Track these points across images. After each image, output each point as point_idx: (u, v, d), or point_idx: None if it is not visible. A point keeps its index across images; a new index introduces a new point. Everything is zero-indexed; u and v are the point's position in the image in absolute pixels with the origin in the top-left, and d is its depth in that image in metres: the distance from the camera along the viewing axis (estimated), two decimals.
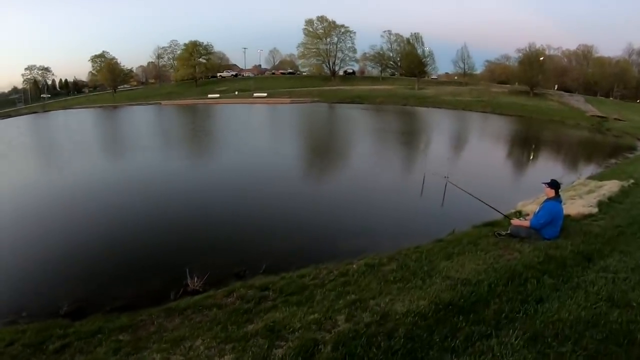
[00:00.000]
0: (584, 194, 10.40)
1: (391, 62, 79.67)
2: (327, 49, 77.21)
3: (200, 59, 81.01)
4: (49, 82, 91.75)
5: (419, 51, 71.20)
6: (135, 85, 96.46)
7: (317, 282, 5.69)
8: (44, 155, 23.29)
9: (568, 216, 7.77)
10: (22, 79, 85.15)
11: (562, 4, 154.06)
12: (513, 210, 9.62)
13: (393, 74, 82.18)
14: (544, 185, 6.36)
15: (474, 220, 8.60)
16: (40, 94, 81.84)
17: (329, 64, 78.87)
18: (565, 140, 30.03)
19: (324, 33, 76.62)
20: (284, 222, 10.37)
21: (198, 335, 4.29)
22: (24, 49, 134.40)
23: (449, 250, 6.08)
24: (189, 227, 10.01)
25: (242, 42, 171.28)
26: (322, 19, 76.49)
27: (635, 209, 8.22)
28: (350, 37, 77.56)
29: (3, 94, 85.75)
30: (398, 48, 76.34)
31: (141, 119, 45.33)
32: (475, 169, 17.78)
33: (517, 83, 62.40)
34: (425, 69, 71.46)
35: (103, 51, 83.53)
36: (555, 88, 60.66)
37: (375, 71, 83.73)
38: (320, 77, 77.48)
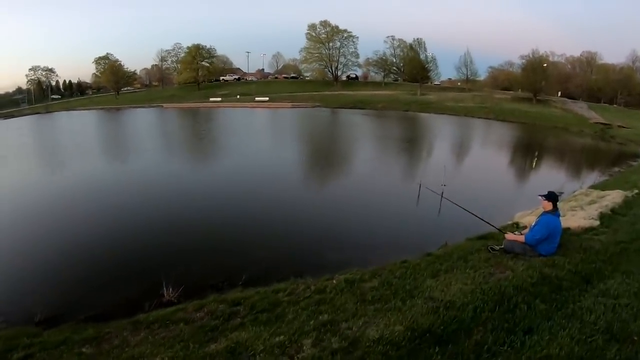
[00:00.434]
0: (586, 205, 9.93)
1: (394, 68, 79.36)
2: (329, 53, 77.07)
3: (203, 63, 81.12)
4: (53, 83, 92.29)
5: (422, 57, 70.94)
6: (138, 88, 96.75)
7: (292, 298, 5.30)
8: (35, 158, 22.89)
9: (568, 229, 7.32)
10: (26, 80, 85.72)
11: (566, 10, 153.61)
12: (509, 222, 9.18)
13: (396, 80, 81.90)
14: (540, 198, 5.89)
15: (469, 232, 8.16)
16: (44, 95, 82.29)
17: (331, 68, 78.69)
18: (568, 148, 29.50)
19: (327, 38, 76.47)
20: (271, 231, 9.93)
21: (158, 353, 4.09)
22: (29, 50, 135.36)
23: (437, 266, 5.64)
24: (171, 235, 9.63)
25: (246, 46, 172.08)
26: (325, 23, 76.51)
27: None
28: (353, 42, 77.50)
29: (7, 94, 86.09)
30: (401, 54, 76.08)
31: (139, 122, 45.28)
32: (475, 177, 17.33)
33: (520, 89, 61.88)
34: (428, 74, 71.14)
35: (107, 53, 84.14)
36: (559, 95, 60.14)
37: (378, 77, 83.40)
38: (323, 82, 77.36)
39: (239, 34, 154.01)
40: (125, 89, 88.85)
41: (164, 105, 64.85)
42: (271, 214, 11.21)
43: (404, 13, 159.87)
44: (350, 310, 4.45)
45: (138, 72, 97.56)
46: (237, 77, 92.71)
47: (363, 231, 9.95)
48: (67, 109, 67.70)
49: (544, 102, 54.71)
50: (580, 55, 71.66)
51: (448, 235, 8.65)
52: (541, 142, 31.90)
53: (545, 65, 58.53)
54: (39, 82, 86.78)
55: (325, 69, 79.32)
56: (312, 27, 77.41)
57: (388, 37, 77.20)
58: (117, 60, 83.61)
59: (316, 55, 78.02)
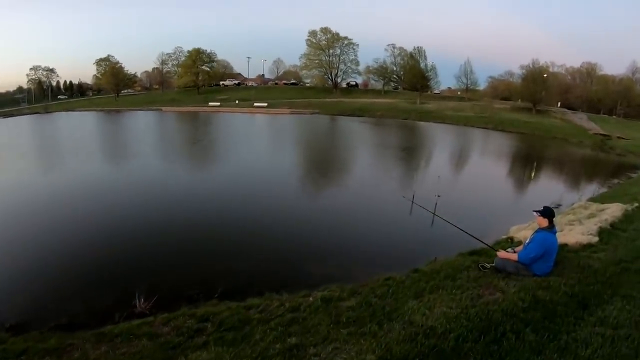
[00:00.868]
0: (584, 219, 9.52)
1: (394, 76, 79.32)
2: (329, 60, 77.04)
3: (204, 67, 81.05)
4: (54, 84, 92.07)
5: (422, 65, 70.95)
6: (139, 91, 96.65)
7: (263, 316, 4.90)
8: (21, 160, 22.13)
9: (565, 246, 6.90)
10: (26, 79, 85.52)
11: (567, 21, 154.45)
12: (504, 237, 8.77)
13: (396, 88, 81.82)
14: (535, 214, 5.48)
15: (461, 246, 7.73)
16: (44, 95, 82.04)
17: (331, 75, 78.60)
18: (567, 159, 29.15)
19: (327, 44, 76.49)
20: (254, 241, 9.46)
21: None
22: (32, 49, 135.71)
23: (422, 285, 5.21)
24: (149, 242, 9.27)
25: (247, 52, 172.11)
26: (325, 30, 76.60)
27: None
28: (353, 49, 77.52)
29: (8, 93, 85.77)
30: (402, 62, 76.08)
31: (134, 124, 44.93)
32: (471, 188, 16.97)
33: (520, 99, 61.81)
34: (427, 83, 71.07)
35: (108, 55, 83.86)
36: (559, 105, 60.08)
37: (379, 85, 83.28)
38: (322, 88, 77.21)
39: (240, 38, 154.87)
40: (126, 91, 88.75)
41: (163, 108, 64.61)
42: (256, 224, 10.76)
43: (406, 21, 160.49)
44: (321, 333, 4.05)
45: (139, 74, 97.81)
46: (237, 82, 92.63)
47: (351, 243, 9.52)
48: (67, 110, 67.35)
49: (543, 113, 54.56)
50: (581, 66, 72.04)
51: (439, 249, 8.25)
52: (540, 152, 31.59)
53: (545, 75, 58.56)
54: (39, 82, 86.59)
55: (325, 76, 79.18)
56: (313, 33, 77.56)
57: (389, 45, 77.41)
58: (117, 62, 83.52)
59: (316, 61, 78.01)
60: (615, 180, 19.34)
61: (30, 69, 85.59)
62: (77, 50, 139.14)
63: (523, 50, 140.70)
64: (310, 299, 5.24)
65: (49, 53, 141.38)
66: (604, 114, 60.27)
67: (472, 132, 42.99)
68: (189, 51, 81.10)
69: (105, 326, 5.11)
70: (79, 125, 43.50)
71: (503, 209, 13.10)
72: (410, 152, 26.44)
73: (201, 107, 64.01)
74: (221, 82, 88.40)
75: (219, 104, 65.88)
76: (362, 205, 13.13)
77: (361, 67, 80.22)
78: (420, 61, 71.11)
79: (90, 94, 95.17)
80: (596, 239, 7.16)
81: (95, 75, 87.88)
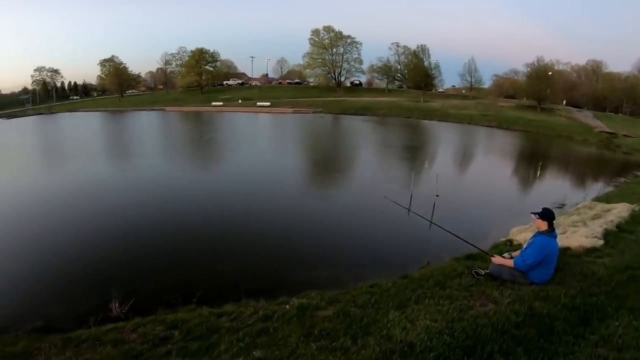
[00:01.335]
0: (589, 220, 9.01)
1: (398, 75, 78.57)
2: (332, 59, 76.45)
3: (207, 66, 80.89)
4: (58, 84, 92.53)
5: (426, 63, 70.15)
6: (143, 91, 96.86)
7: (233, 325, 4.56)
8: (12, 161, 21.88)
9: (567, 250, 6.42)
10: (31, 80, 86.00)
11: (572, 19, 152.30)
12: (503, 239, 8.29)
13: (401, 87, 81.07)
14: (533, 216, 5.00)
15: (457, 249, 7.22)
16: (49, 96, 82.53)
17: (334, 74, 78.04)
18: (572, 157, 28.50)
19: (330, 43, 75.87)
20: (240, 243, 9.11)
21: None
22: (37, 50, 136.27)
23: (408, 293, 4.77)
24: (131, 244, 8.96)
25: (251, 51, 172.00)
26: (328, 29, 75.89)
27: None
28: (357, 47, 76.72)
29: (13, 94, 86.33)
30: (406, 60, 75.31)
31: (134, 124, 44.91)
32: (471, 187, 16.49)
33: (524, 97, 60.99)
34: (431, 81, 70.31)
35: (112, 55, 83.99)
36: (564, 103, 59.17)
37: (383, 83, 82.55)
38: (326, 87, 76.64)
39: (244, 38, 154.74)
40: (130, 91, 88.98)
41: (166, 108, 64.66)
42: (245, 226, 10.37)
43: (410, 20, 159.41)
44: (289, 347, 3.70)
45: (143, 75, 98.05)
46: (240, 81, 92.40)
47: (344, 246, 9.10)
48: (70, 111, 67.64)
49: (548, 111, 53.73)
50: (586, 63, 70.70)
51: (434, 252, 7.83)
52: (544, 150, 30.93)
53: (550, 73, 57.65)
54: (44, 83, 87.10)
55: (329, 75, 78.63)
56: (316, 32, 76.97)
57: (392, 43, 76.53)
58: (121, 63, 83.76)
59: (319, 60, 77.39)
60: (622, 179, 18.71)
61: (35, 70, 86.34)
62: (81, 51, 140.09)
63: (528, 48, 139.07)
64: (287, 306, 4.85)
65: (54, 54, 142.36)
66: (609, 111, 59.22)
67: (476, 130, 42.31)
68: (192, 51, 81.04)
69: (79, 330, 4.97)
70: (78, 126, 43.65)
71: (504, 209, 12.57)
72: (411, 151, 25.86)
73: (204, 107, 63.87)
74: (224, 82, 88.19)
75: (221, 103, 65.70)
76: (358, 206, 12.66)
77: (365, 66, 79.61)
78: (424, 59, 70.33)
79: (95, 95, 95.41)
80: (601, 242, 6.67)
81: (99, 75, 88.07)
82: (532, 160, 25.43)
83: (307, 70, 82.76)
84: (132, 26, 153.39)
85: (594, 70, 68.77)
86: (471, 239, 9.05)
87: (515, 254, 5.27)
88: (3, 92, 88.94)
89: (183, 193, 13.75)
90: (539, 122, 45.65)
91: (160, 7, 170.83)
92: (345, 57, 76.78)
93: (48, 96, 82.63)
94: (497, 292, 4.53)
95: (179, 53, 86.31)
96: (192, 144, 29.10)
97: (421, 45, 71.43)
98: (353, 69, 78.85)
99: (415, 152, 25.85)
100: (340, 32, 75.82)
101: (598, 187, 16.31)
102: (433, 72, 70.36)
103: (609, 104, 61.90)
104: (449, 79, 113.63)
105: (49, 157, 22.39)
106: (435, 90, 75.84)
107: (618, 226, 8.02)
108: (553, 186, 17.12)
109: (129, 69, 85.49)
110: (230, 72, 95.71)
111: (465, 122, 46.53)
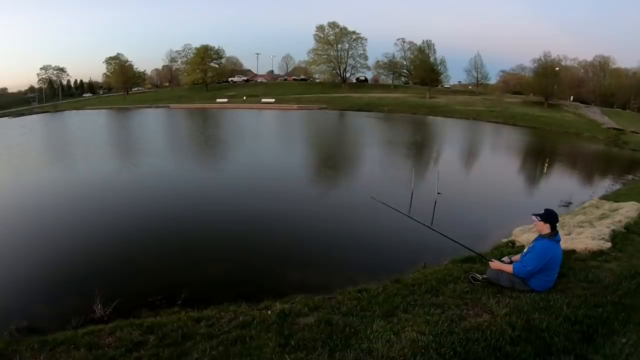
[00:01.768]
0: (596, 220, 8.60)
1: (404, 71, 77.75)
2: (337, 55, 75.79)
3: (212, 64, 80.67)
4: (64, 83, 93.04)
5: (431, 59, 69.28)
6: (149, 88, 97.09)
7: (210, 331, 4.31)
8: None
9: (572, 253, 6.06)
10: (37, 79, 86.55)
11: (579, 14, 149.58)
12: (505, 240, 7.91)
13: (407, 83, 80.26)
14: (534, 218, 4.62)
15: (456, 250, 6.87)
16: (55, 94, 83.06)
17: (339, 70, 77.43)
18: (579, 154, 27.87)
19: (335, 39, 75.24)
20: (230, 243, 8.84)
21: None
22: (44, 49, 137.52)
23: (397, 300, 4.44)
24: (117, 244, 8.74)
25: (257, 48, 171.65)
26: (333, 25, 75.24)
27: None
28: (362, 43, 75.98)
29: (20, 93, 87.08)
30: (411, 56, 74.44)
31: (134, 122, 44.72)
32: (476, 185, 16.04)
33: (531, 94, 60.14)
34: (437, 77, 69.47)
35: (118, 53, 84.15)
36: (571, 99, 58.30)
37: (389, 80, 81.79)
38: (331, 84, 76.03)
39: (250, 35, 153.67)
40: (136, 89, 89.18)
41: (171, 105, 64.64)
42: (239, 225, 10.10)
43: (416, 15, 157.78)
44: (263, 359, 3.40)
45: (149, 72, 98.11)
46: (245, 78, 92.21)
47: (337, 247, 8.68)
48: (76, 109, 67.99)
49: (555, 107, 52.95)
50: (593, 59, 69.26)
51: (432, 253, 7.52)
52: (550, 147, 30.33)
53: (557, 69, 56.77)
54: (50, 82, 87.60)
55: (334, 71, 78.02)
56: (320, 28, 76.34)
57: (398, 39, 75.59)
58: (127, 61, 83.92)
59: (324, 56, 76.76)
60: (630, 177, 18.17)
61: (41, 68, 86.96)
62: (87, 49, 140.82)
63: (535, 43, 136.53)
64: (269, 312, 4.56)
65: (60, 53, 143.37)
66: (617, 108, 58.31)
67: (482, 126, 41.67)
68: (196, 48, 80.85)
69: (59, 332, 4.83)
70: (79, 124, 43.71)
71: (508, 208, 12.15)
72: (414, 148, 25.35)
73: (208, 104, 63.76)
74: (229, 79, 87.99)
75: (226, 100, 65.59)
76: (357, 204, 12.27)
77: (371, 62, 78.95)
78: (430, 55, 69.47)
79: (101, 93, 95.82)
80: (608, 244, 6.27)
81: (105, 73, 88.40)
82: (538, 157, 24.88)
83: (313, 67, 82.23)
84: (137, 23, 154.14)
85: (602, 66, 67.43)
86: (472, 238, 8.70)
87: (516, 258, 4.90)
88: (10, 91, 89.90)
89: (173, 194, 13.38)
90: (546, 118, 44.93)
91: (166, 4, 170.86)
92: (350, 53, 76.16)
93: (54, 94, 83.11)
94: (494, 300, 4.18)
95: (184, 50, 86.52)
96: (188, 141, 28.80)
97: (426, 40, 70.59)
98: (358, 65, 78.33)
99: (418, 148, 25.37)
100: (345, 28, 75.27)
101: (605, 185, 15.85)
102: (439, 68, 69.53)
103: (617, 100, 61.16)
104: (455, 75, 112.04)
105: (36, 157, 22.02)
106: (441, 86, 74.94)
107: (626, 227, 7.63)
108: (559, 184, 16.64)
109: (134, 67, 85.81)
110: (236, 69, 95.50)
111: (471, 119, 45.89)
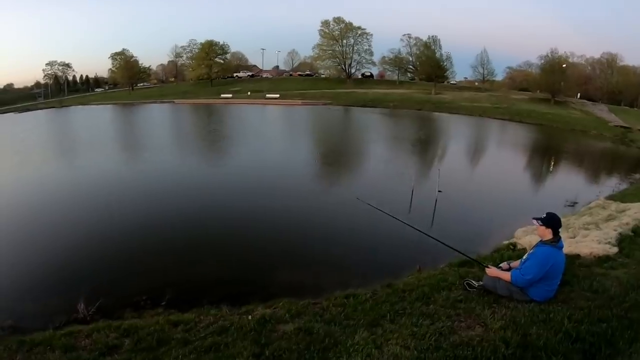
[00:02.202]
0: (602, 222, 8.23)
1: (410, 67, 76.92)
2: (342, 50, 75.09)
3: (217, 59, 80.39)
4: (70, 78, 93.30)
5: (437, 55, 68.41)
6: (155, 84, 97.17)
7: (185, 336, 4.13)
8: None
9: (577, 258, 5.71)
10: (43, 74, 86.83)
11: (586, 11, 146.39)
12: (506, 242, 7.57)
13: (412, 79, 79.46)
14: (535, 222, 4.30)
15: (454, 253, 6.56)
16: (60, 89, 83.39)
17: (344, 66, 76.78)
18: (586, 152, 27.31)
19: (340, 35, 74.47)
20: (221, 242, 8.63)
21: None
22: (50, 45, 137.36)
23: (385, 307, 4.14)
24: (104, 242, 8.58)
25: (263, 43, 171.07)
26: (338, 20, 74.40)
27: None
28: (367, 39, 74.97)
29: (26, 89, 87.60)
30: (417, 52, 73.58)
31: (133, 119, 44.64)
32: (479, 183, 15.65)
33: (538, 90, 59.29)
34: (443, 73, 68.64)
35: (123, 49, 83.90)
36: (578, 96, 57.44)
37: (395, 75, 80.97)
38: (336, 79, 75.42)
39: (255, 30, 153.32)
40: (142, 84, 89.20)
41: (175, 101, 64.57)
42: (233, 225, 9.87)
43: (421, 10, 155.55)
44: None
45: (154, 67, 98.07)
46: (250, 74, 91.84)
47: (332, 248, 8.42)
48: (81, 104, 68.11)
49: (562, 104, 52.14)
50: (601, 56, 68.01)
51: (430, 255, 7.19)
52: (557, 145, 29.77)
53: (564, 65, 55.88)
54: (55, 77, 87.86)
55: (339, 67, 77.37)
56: (325, 23, 75.52)
57: (404, 35, 74.60)
58: (132, 56, 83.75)
59: (329, 52, 76.01)
60: (637, 176, 17.76)
61: (47, 64, 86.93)
62: (93, 44, 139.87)
63: (542, 40, 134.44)
64: (249, 317, 4.32)
65: (65, 48, 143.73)
66: (625, 105, 57.38)
67: (487, 123, 41.04)
68: (201, 44, 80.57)
69: (39, 332, 4.75)
70: (81, 119, 43.77)
71: (511, 207, 11.78)
72: (419, 145, 24.93)
73: (213, 100, 63.57)
74: (235, 74, 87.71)
75: (230, 95, 65.31)
76: (356, 204, 11.92)
77: (376, 58, 78.07)
78: (436, 51, 68.52)
79: (107, 88, 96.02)
80: (615, 249, 5.91)
81: (110, 69, 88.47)
82: (543, 155, 24.39)
83: (318, 62, 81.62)
84: (143, 19, 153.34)
85: (609, 64, 66.21)
86: (472, 239, 8.43)
87: (515, 264, 4.56)
88: (17, 86, 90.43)
89: (163, 192, 13.06)
90: (553, 115, 44.23)
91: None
92: (355, 48, 75.16)
93: (60, 90, 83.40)
94: (489, 311, 3.86)
95: (189, 45, 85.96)
96: (185, 139, 28.46)
97: (432, 36, 69.60)
98: (364, 61, 77.21)
99: (422, 145, 24.96)
100: (351, 23, 74.36)
101: (612, 184, 15.42)
102: (445, 64, 68.58)
103: (625, 98, 60.38)
104: (461, 71, 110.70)
105: (35, 155, 21.76)
106: (447, 82, 74.08)
107: (634, 230, 7.24)
108: (565, 182, 16.22)
109: (140, 62, 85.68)
110: (241, 64, 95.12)
111: (477, 115, 45.21)
